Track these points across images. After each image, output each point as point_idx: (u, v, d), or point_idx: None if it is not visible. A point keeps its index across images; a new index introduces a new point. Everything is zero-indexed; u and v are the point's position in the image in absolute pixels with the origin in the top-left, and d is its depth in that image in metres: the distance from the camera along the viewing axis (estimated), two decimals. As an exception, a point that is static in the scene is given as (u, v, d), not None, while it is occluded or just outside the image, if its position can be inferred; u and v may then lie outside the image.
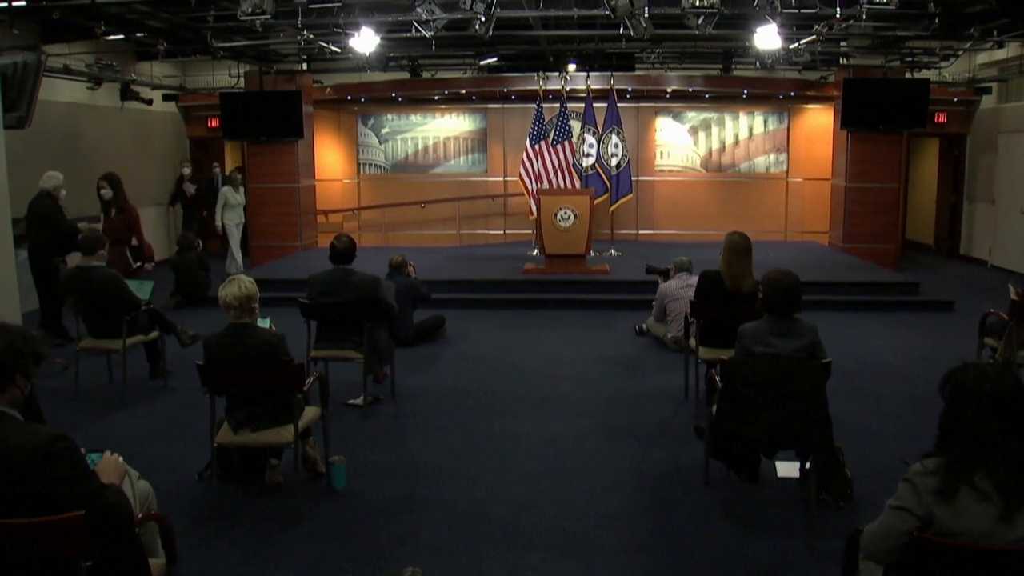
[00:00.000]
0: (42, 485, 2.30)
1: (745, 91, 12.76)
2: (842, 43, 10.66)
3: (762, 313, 4.04)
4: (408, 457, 4.94)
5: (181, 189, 12.35)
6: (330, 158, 13.81)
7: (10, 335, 2.45)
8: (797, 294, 3.95)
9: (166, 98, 12.84)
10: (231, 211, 11.21)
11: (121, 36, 9.47)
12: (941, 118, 12.72)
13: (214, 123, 13.02)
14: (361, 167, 14.01)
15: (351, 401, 5.85)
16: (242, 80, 12.05)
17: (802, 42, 9.43)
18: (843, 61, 11.55)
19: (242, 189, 11.44)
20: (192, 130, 13.72)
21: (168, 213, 12.86)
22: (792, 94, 12.88)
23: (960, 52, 11.03)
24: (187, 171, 12.21)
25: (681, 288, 7.07)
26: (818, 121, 13.19)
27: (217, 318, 4.28)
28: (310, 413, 4.34)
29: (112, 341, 6.02)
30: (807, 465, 4.13)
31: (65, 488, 2.33)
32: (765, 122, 13.49)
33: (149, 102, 11.84)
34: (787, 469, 4.48)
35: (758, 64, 11.43)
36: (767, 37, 8.44)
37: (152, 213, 12.18)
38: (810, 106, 13.30)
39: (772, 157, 13.53)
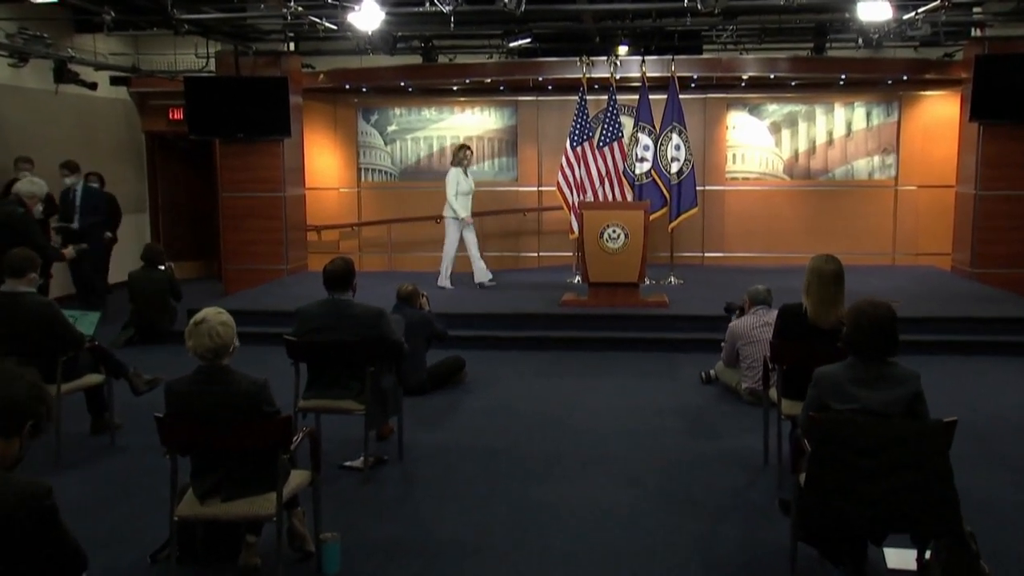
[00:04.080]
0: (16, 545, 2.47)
1: (843, 76, 12.72)
2: (975, 9, 10.49)
3: (845, 354, 4.02)
4: (420, 533, 4.93)
5: None
6: (324, 162, 13.99)
7: (32, 381, 2.69)
8: (891, 331, 3.91)
9: (114, 81, 12.94)
10: (464, 200, 11.16)
11: (54, 0, 9.34)
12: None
13: (177, 115, 13.21)
14: (362, 173, 14.16)
15: (349, 463, 5.86)
16: (212, 62, 12.19)
17: (920, 11, 9.29)
18: (975, 33, 11.38)
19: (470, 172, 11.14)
20: (149, 123, 13.96)
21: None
22: (904, 78, 12.76)
23: None
24: None
25: (757, 327, 7.02)
26: (938, 112, 13.09)
27: (181, 358, 4.32)
28: (298, 478, 4.35)
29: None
30: (927, 554, 4.04)
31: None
32: (868, 115, 13.44)
33: (92, 86, 11.89)
34: (901, 559, 4.38)
35: (861, 42, 11.34)
36: (874, 7, 8.37)
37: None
38: (928, 93, 13.20)
39: (877, 159, 13.47)
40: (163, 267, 9.75)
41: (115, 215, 11.41)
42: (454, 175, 11.14)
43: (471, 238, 11.46)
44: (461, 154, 11.28)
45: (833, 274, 5.23)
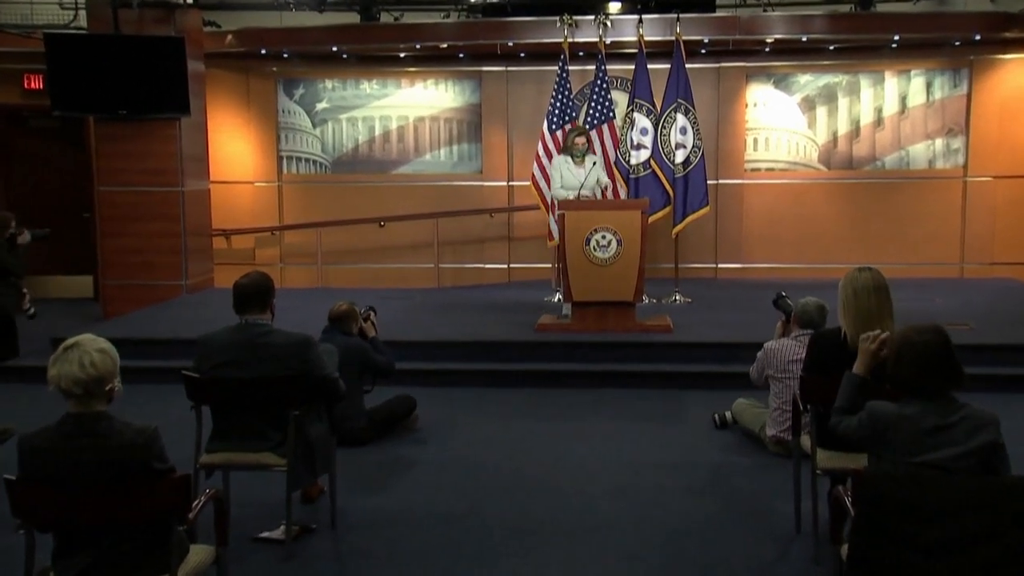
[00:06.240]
0: None
1: (896, 37, 12.85)
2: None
3: (891, 392, 4.04)
4: (354, 627, 4.89)
5: None
6: (234, 148, 13.96)
7: None
8: (944, 361, 3.93)
9: (-53, 40, 12.87)
10: (570, 196, 10.74)
11: None
12: None
13: (35, 83, 13.13)
14: (284, 163, 14.17)
15: (266, 534, 5.82)
16: (83, 15, 12.09)
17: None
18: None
19: (588, 161, 10.83)
20: (-4, 93, 13.87)
21: None
22: (977, 38, 12.87)
23: None
24: None
25: (796, 361, 6.92)
26: (1021, 81, 13.27)
27: (41, 403, 4.26)
28: (198, 555, 4.29)
29: None
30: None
31: None
32: (928, 87, 13.60)
33: None
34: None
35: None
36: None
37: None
38: (1008, 56, 13.35)
39: (940, 143, 13.62)
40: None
41: None
42: (558, 164, 10.96)
43: None
44: (569, 140, 11.06)
45: (870, 284, 5.22)
